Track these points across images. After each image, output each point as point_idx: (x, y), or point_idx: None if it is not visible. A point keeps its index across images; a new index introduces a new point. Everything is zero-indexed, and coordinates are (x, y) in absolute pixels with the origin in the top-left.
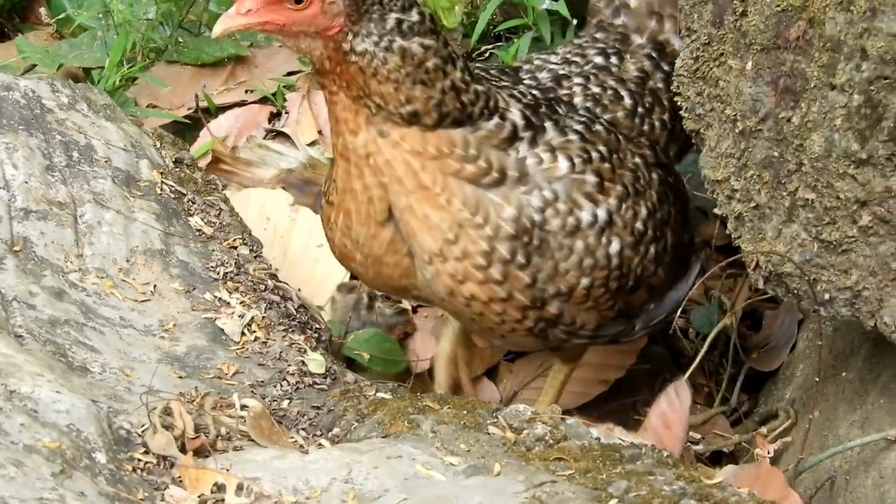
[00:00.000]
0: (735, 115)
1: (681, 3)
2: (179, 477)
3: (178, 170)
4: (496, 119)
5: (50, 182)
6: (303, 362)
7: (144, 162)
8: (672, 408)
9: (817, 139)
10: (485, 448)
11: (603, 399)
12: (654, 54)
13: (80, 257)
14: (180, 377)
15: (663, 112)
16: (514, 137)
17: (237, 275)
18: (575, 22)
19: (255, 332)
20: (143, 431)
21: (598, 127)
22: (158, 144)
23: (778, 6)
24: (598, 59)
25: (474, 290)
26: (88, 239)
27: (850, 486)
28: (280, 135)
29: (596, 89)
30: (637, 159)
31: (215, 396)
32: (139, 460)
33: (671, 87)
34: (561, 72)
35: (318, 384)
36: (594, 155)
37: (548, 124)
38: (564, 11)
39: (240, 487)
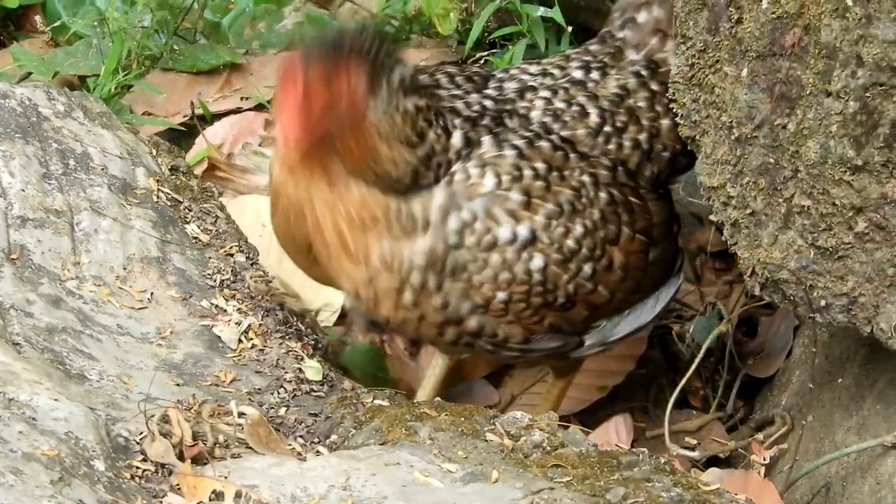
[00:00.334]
0: (731, 121)
1: (676, 10)
2: (177, 484)
3: (174, 177)
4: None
5: (46, 190)
6: (300, 369)
7: (141, 170)
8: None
9: (813, 146)
10: (482, 455)
11: (599, 404)
12: (643, 72)
13: (77, 265)
14: (178, 385)
15: (639, 132)
16: (448, 167)
17: (234, 282)
18: (570, 29)
19: (251, 339)
20: (141, 439)
21: (543, 143)
22: (154, 152)
23: (773, 13)
24: (577, 74)
25: (389, 313)
26: (85, 247)
27: (847, 492)
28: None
29: (560, 105)
30: (585, 178)
31: (213, 404)
32: (137, 468)
33: (655, 107)
34: (531, 83)
35: (315, 391)
36: (526, 172)
37: (485, 138)
38: (559, 18)
39: (238, 495)
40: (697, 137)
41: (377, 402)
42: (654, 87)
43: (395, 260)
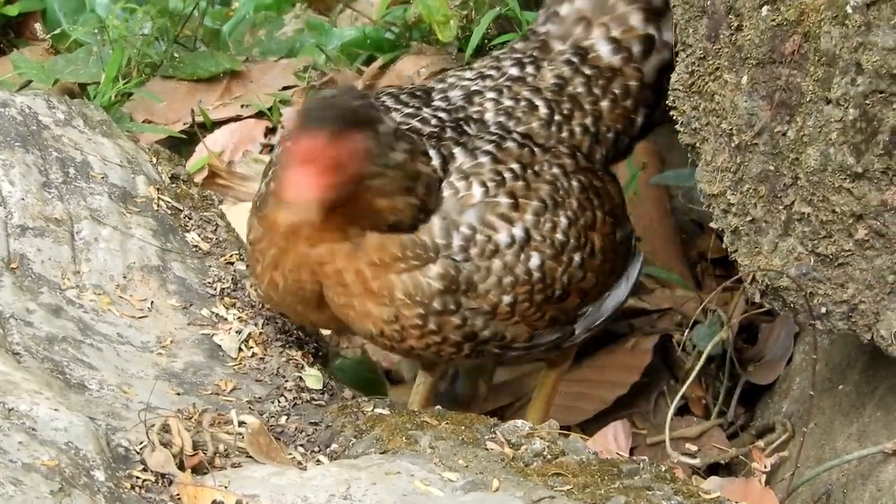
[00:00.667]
0: (731, 129)
1: (675, 19)
2: (178, 494)
3: (174, 185)
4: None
5: (46, 199)
6: (300, 378)
7: (141, 178)
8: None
9: (813, 153)
10: (483, 464)
11: (600, 412)
12: (573, 59)
13: (77, 274)
14: (178, 394)
15: (584, 117)
16: (439, 186)
17: (234, 290)
18: None
19: (252, 347)
20: (141, 449)
21: (510, 144)
22: (155, 160)
23: (773, 20)
24: (513, 71)
25: (413, 344)
26: (85, 255)
27: (848, 499)
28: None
29: (509, 102)
30: (555, 170)
31: (213, 413)
32: (137, 478)
33: (593, 91)
34: (473, 88)
35: (315, 400)
36: (506, 175)
37: (456, 150)
38: None
39: None
40: (697, 145)
41: (378, 410)
42: (588, 71)
43: (417, 291)
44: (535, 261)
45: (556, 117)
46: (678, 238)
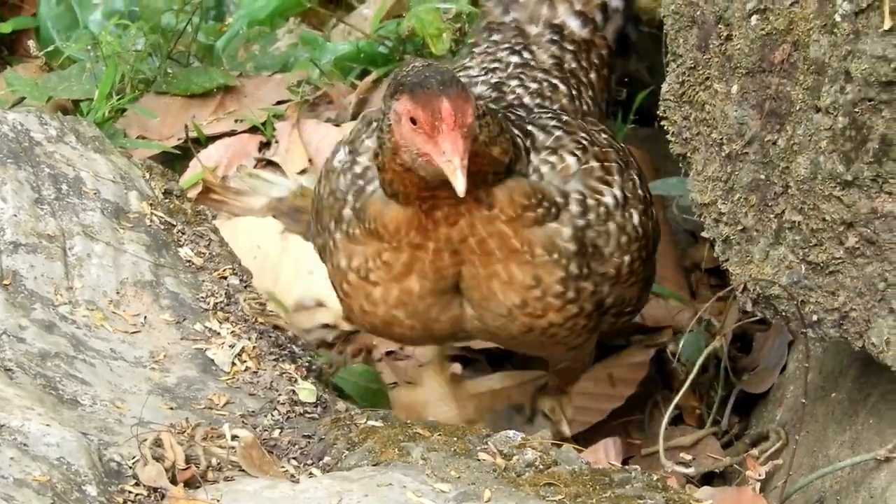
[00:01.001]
0: (721, 138)
1: (666, 29)
2: None
3: (167, 201)
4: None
5: (39, 215)
6: (293, 391)
7: (134, 193)
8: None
9: (803, 162)
10: (475, 475)
11: (596, 423)
12: (555, 37)
13: (69, 290)
14: (171, 408)
15: (587, 89)
16: (528, 155)
17: (227, 305)
18: None
19: (245, 361)
20: (133, 463)
21: (566, 117)
22: (148, 176)
23: (762, 30)
24: (515, 59)
25: (553, 319)
26: (78, 271)
27: None
28: (270, 164)
29: (534, 85)
30: (603, 135)
31: (206, 427)
32: (130, 492)
33: (582, 64)
34: (493, 80)
35: (309, 413)
36: (584, 142)
37: (530, 127)
38: None
39: None
40: (689, 154)
41: (370, 422)
42: (570, 47)
43: (554, 247)
44: (636, 218)
45: (574, 92)
46: (673, 248)
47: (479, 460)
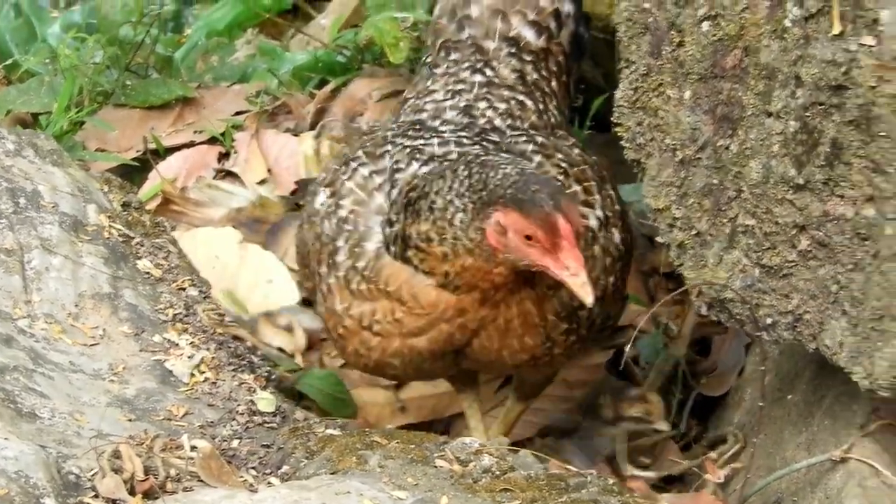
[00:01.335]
0: (674, 144)
1: (619, 35)
2: None
3: (125, 213)
4: None
5: None
6: (252, 402)
7: (92, 206)
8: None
9: (755, 166)
10: (432, 481)
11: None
12: (513, 50)
13: (28, 303)
14: (130, 420)
15: (552, 99)
16: None
17: (186, 316)
18: None
19: (204, 372)
20: (92, 476)
21: (540, 138)
22: (106, 188)
23: (714, 36)
24: (478, 77)
25: (558, 351)
26: (36, 285)
27: None
28: (229, 174)
29: (502, 105)
30: (576, 150)
31: (165, 438)
32: None
33: (542, 73)
34: (462, 104)
35: (267, 423)
36: (563, 165)
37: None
38: None
39: None
40: (643, 160)
41: (329, 431)
42: (529, 58)
43: (563, 307)
44: (617, 236)
45: (540, 106)
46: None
47: (436, 467)
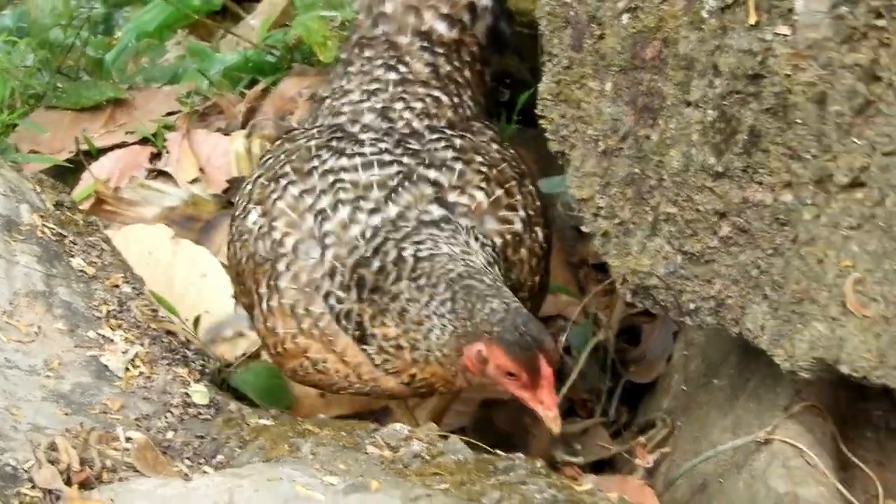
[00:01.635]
0: (597, 135)
1: (541, 29)
2: None
3: (58, 212)
4: None
5: None
6: (187, 394)
7: (25, 206)
8: None
9: (675, 155)
10: (363, 467)
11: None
12: (425, 44)
13: None
14: (66, 414)
15: (466, 89)
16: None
17: (120, 312)
18: None
19: (139, 367)
20: (29, 467)
21: (458, 141)
22: (39, 189)
23: (633, 28)
24: (392, 75)
25: None
26: None
27: (724, 488)
28: (162, 174)
29: (418, 105)
30: (493, 146)
31: (101, 431)
32: (26, 495)
33: (455, 64)
34: (379, 106)
35: (202, 415)
36: (483, 169)
37: (431, 173)
38: None
39: None
40: (566, 151)
41: (262, 421)
42: (441, 49)
43: None
44: (540, 234)
45: (455, 100)
46: (560, 244)
47: (367, 453)
